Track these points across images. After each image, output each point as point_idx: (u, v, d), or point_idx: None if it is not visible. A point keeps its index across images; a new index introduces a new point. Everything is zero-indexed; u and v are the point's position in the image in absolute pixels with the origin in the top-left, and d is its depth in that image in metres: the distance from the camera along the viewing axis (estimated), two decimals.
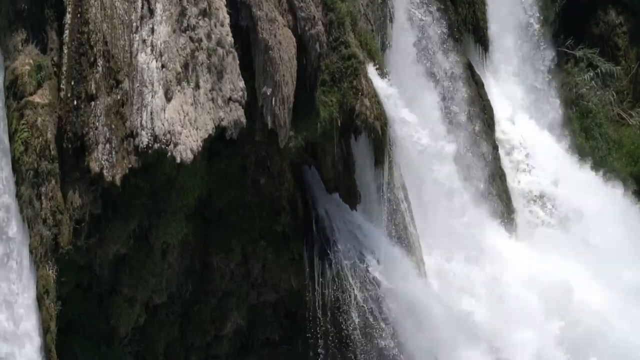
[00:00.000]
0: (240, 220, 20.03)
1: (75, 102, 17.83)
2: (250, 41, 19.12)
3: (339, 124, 19.84)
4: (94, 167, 17.70)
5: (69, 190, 17.92)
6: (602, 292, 23.79)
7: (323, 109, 19.66)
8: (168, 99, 18.14)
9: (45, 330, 17.96)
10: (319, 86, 19.74)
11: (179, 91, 18.24)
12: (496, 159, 25.27)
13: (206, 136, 18.33)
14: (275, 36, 18.94)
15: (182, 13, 18.50)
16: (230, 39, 18.80)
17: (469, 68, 25.12)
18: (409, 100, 21.36)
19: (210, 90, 18.52)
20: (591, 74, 27.83)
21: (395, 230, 21.23)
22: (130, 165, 17.92)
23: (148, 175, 18.45)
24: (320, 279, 20.25)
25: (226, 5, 18.95)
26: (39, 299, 18.01)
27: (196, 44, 18.49)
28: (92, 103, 17.85)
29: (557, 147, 26.89)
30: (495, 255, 23.23)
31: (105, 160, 17.72)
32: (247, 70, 18.98)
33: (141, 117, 17.97)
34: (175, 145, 17.98)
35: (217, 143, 18.90)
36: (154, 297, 19.42)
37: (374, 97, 20.18)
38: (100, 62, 17.94)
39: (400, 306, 20.43)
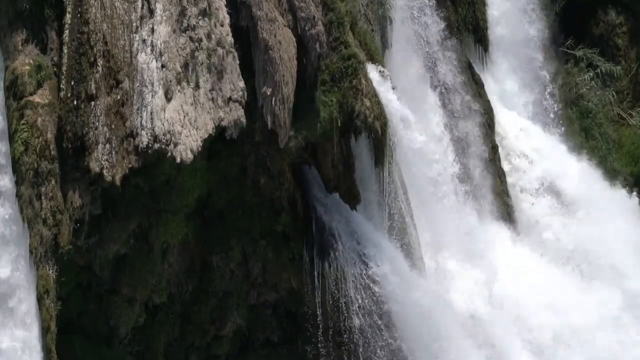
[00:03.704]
0: (240, 220, 20.03)
1: (75, 102, 17.84)
2: (250, 41, 19.12)
3: (339, 124, 19.85)
4: (94, 167, 17.71)
5: (69, 190, 17.92)
6: (601, 294, 23.86)
7: (323, 109, 19.66)
8: (168, 99, 18.14)
9: (45, 330, 17.96)
10: (319, 86, 19.74)
11: (179, 91, 18.24)
12: (496, 158, 25.29)
13: (206, 136, 18.33)
14: (275, 36, 18.94)
15: (182, 13, 18.50)
16: (230, 39, 18.80)
17: (469, 68, 25.13)
18: (409, 100, 21.36)
19: (210, 90, 18.52)
20: (591, 74, 27.79)
21: (395, 230, 21.22)
22: (130, 165, 17.93)
23: (148, 175, 18.45)
24: (320, 279, 20.25)
25: (226, 5, 18.96)
26: (39, 299, 18.01)
27: (196, 44, 18.50)
28: (92, 103, 17.85)
29: (557, 146, 26.90)
30: (496, 255, 23.23)
31: (105, 160, 17.72)
32: (247, 70, 18.98)
33: (141, 117, 17.97)
34: (175, 145, 17.99)
35: (216, 143, 18.90)
36: (154, 297, 19.42)
37: (374, 97, 20.18)
38: (100, 62, 17.95)
39: (400, 306, 20.43)
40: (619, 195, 26.43)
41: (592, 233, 25.24)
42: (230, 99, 18.61)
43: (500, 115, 25.98)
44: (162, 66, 18.20)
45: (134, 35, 18.29)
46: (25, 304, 18.00)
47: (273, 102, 18.84)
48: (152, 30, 18.31)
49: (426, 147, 21.66)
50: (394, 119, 20.54)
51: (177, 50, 18.35)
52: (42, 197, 17.88)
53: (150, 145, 17.86)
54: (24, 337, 17.90)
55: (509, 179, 25.72)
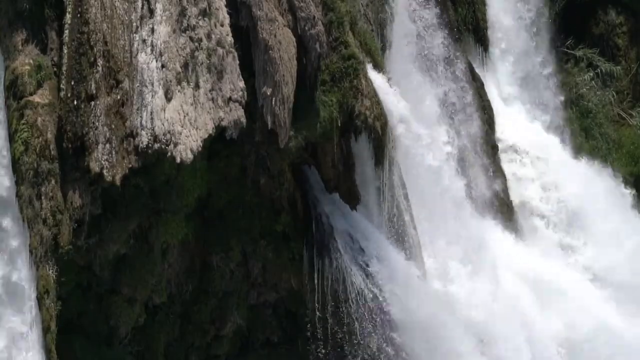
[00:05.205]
0: (240, 220, 20.04)
1: (75, 102, 17.84)
2: (250, 41, 19.12)
3: (339, 124, 19.85)
4: (94, 167, 17.71)
5: (69, 190, 17.92)
6: (601, 294, 23.86)
7: (323, 109, 19.67)
8: (168, 99, 18.15)
9: (45, 330, 17.97)
10: (319, 86, 19.74)
11: (179, 91, 18.25)
12: (496, 158, 25.30)
13: (206, 136, 18.33)
14: (275, 36, 18.95)
15: (182, 13, 18.51)
16: (230, 39, 18.80)
17: (469, 68, 25.14)
18: (409, 100, 21.36)
19: (210, 90, 18.53)
20: (591, 74, 27.85)
21: (395, 230, 21.22)
22: (130, 165, 17.93)
23: (148, 175, 18.45)
24: (320, 279, 20.25)
25: (226, 5, 18.96)
26: (39, 299, 18.02)
27: (196, 44, 18.50)
28: (92, 103, 17.86)
29: (557, 146, 26.91)
30: (496, 256, 23.22)
31: (105, 160, 17.72)
32: (247, 70, 18.98)
33: (141, 117, 17.97)
34: (175, 145, 17.99)
35: (216, 143, 18.90)
36: (154, 297, 19.42)
37: (374, 97, 20.19)
38: (100, 62, 17.95)
39: (400, 306, 20.43)
40: (619, 193, 26.49)
41: (593, 232, 25.29)
42: (230, 99, 18.61)
43: (500, 115, 25.99)
44: (162, 66, 18.20)
45: (134, 35, 18.29)
46: None
47: (273, 102, 18.84)
48: (152, 30, 18.31)
49: (425, 146, 21.65)
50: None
51: (177, 50, 18.36)
52: (42, 197, 17.88)
53: (150, 145, 17.86)
54: None
55: (509, 179, 25.72)
